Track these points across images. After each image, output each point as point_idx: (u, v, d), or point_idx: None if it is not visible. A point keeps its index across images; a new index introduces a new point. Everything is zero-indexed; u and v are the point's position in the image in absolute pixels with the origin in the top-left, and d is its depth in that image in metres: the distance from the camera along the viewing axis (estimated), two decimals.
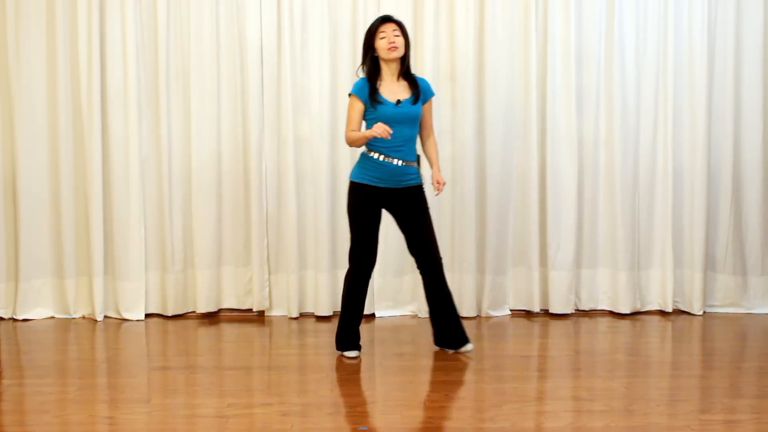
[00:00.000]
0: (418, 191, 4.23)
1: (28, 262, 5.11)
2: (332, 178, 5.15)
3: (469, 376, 3.96)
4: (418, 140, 4.32)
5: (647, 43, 5.18)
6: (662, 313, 5.27)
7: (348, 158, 5.17)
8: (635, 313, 5.24)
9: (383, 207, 4.22)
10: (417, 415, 3.40)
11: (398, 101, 4.13)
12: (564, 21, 5.11)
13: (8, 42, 5.02)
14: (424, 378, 3.96)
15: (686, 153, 5.23)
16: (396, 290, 5.24)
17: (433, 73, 5.10)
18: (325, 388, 3.78)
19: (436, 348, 4.41)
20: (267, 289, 5.21)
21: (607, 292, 5.28)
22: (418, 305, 5.21)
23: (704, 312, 5.26)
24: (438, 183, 4.20)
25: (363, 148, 4.21)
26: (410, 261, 5.20)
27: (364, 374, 4.03)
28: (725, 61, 5.21)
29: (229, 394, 3.68)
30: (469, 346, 4.30)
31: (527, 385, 3.85)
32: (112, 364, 4.24)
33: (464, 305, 5.15)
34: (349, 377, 3.95)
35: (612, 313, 5.26)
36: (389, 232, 5.17)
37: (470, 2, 5.08)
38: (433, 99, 4.39)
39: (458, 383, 3.85)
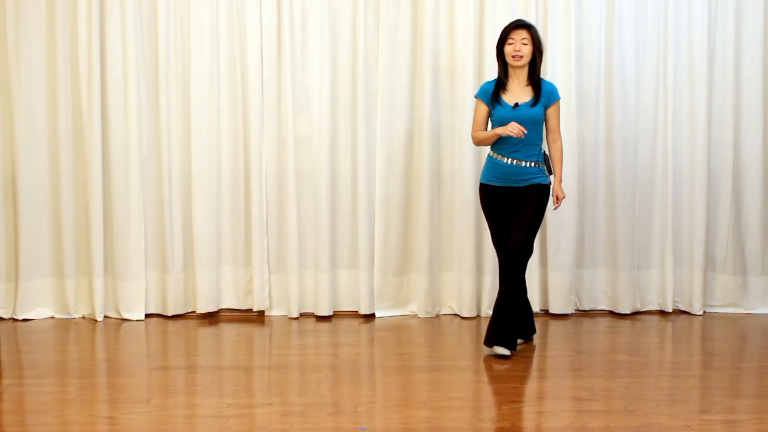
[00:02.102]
0: (538, 190, 4.23)
1: (28, 262, 5.11)
2: (332, 178, 5.15)
3: (469, 376, 3.96)
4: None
5: (647, 43, 5.18)
6: (662, 313, 5.27)
7: (348, 158, 5.18)
8: (635, 313, 5.24)
9: (510, 205, 4.26)
10: (417, 415, 3.40)
11: (516, 104, 4.21)
12: (564, 21, 5.11)
13: (8, 42, 5.02)
14: (424, 378, 3.96)
15: (686, 153, 5.23)
16: (396, 290, 5.24)
17: (433, 72, 5.11)
18: (325, 388, 3.78)
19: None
20: (267, 289, 5.21)
21: (607, 292, 5.28)
22: (418, 305, 5.22)
23: (704, 312, 5.26)
24: (557, 198, 4.29)
25: (488, 150, 4.35)
26: (410, 261, 5.23)
27: (364, 374, 4.04)
28: (725, 61, 5.21)
29: (229, 394, 3.68)
30: (499, 350, 4.21)
31: (527, 385, 3.85)
32: (112, 364, 4.23)
33: (464, 305, 5.16)
34: (349, 377, 3.95)
35: (612, 313, 5.26)
36: (390, 231, 5.18)
37: (470, 2, 5.08)
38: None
39: (458, 383, 3.85)
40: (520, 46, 4.18)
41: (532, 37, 4.20)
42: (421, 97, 5.14)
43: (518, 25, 4.22)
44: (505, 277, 4.22)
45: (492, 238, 4.36)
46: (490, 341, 4.27)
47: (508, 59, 4.22)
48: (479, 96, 4.33)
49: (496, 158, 4.25)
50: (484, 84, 4.39)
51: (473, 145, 4.60)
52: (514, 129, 4.10)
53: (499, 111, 4.23)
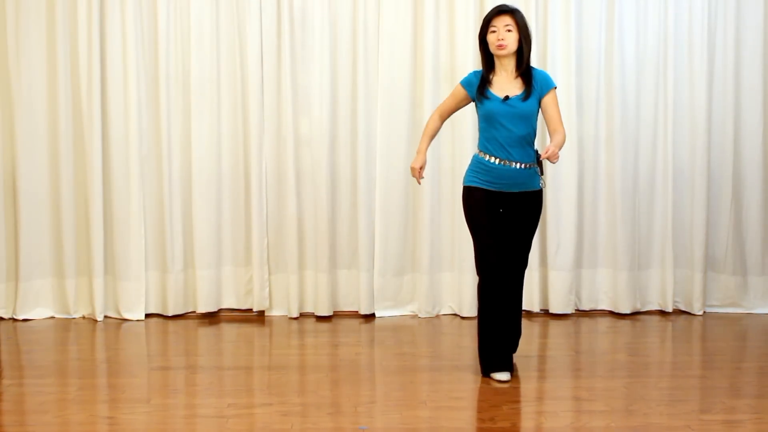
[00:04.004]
0: (534, 197, 3.86)
1: (28, 262, 5.11)
2: (332, 178, 5.15)
3: (468, 376, 3.95)
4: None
5: (647, 43, 5.18)
6: (662, 313, 5.27)
7: (348, 157, 5.18)
8: (635, 313, 5.24)
9: (501, 211, 3.84)
10: (417, 415, 3.40)
11: (506, 97, 3.77)
12: (564, 21, 5.11)
13: (8, 42, 5.02)
14: (424, 378, 3.96)
15: (686, 153, 5.23)
16: (396, 290, 5.23)
17: (433, 73, 5.11)
18: (325, 388, 3.77)
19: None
20: (267, 289, 5.21)
21: (608, 292, 5.28)
22: (418, 305, 5.22)
23: (704, 312, 5.26)
24: (547, 150, 3.56)
25: (475, 150, 3.93)
26: (410, 261, 5.23)
27: (364, 374, 4.03)
28: (725, 61, 5.21)
29: (229, 394, 3.68)
30: (500, 375, 3.85)
31: (527, 385, 3.85)
32: (112, 364, 4.23)
33: (464, 305, 5.16)
34: (349, 377, 3.95)
35: (612, 313, 5.26)
36: (390, 231, 5.18)
37: (470, 2, 5.08)
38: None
39: (458, 383, 3.85)
40: (503, 34, 3.75)
41: (517, 23, 3.77)
42: (421, 97, 5.14)
43: (501, 10, 3.79)
44: (499, 292, 3.83)
45: (480, 249, 3.82)
46: (487, 369, 3.89)
47: (492, 49, 3.79)
48: (463, 84, 3.89)
49: (487, 160, 3.80)
50: (472, 73, 3.92)
51: (464, 138, 4.06)
52: (415, 174, 3.92)
53: (487, 105, 3.78)
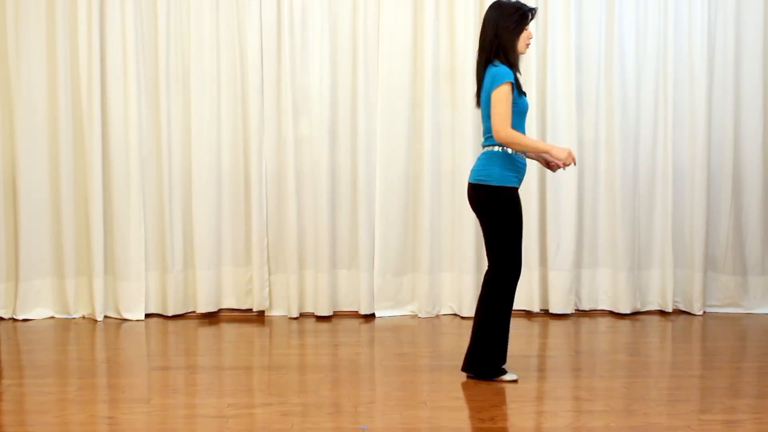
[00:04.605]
0: None
1: (28, 262, 5.11)
2: (332, 178, 5.15)
3: (469, 376, 3.95)
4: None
5: (647, 44, 5.19)
6: (662, 313, 5.27)
7: (348, 158, 5.17)
8: (635, 313, 5.24)
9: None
10: (417, 415, 3.40)
11: (524, 93, 3.79)
12: (564, 21, 5.11)
13: (8, 42, 5.02)
14: (424, 378, 3.96)
15: (686, 153, 5.23)
16: (396, 290, 5.24)
17: (433, 72, 5.11)
18: (325, 388, 3.77)
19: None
20: (267, 289, 5.21)
21: (608, 292, 5.28)
22: (418, 305, 5.22)
23: (704, 312, 5.26)
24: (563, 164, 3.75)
25: (497, 148, 3.68)
26: (410, 261, 5.23)
27: (364, 374, 4.03)
28: (725, 62, 5.21)
29: (229, 394, 3.68)
30: (508, 376, 3.86)
31: (527, 385, 3.85)
32: (112, 364, 4.23)
33: (464, 305, 5.16)
34: (349, 377, 3.95)
35: (612, 313, 5.26)
36: (390, 231, 5.18)
37: (470, 2, 5.08)
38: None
39: (458, 383, 3.85)
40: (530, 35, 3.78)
41: None
42: (421, 97, 5.14)
43: (534, 14, 3.77)
44: (513, 292, 3.83)
45: (514, 251, 3.72)
46: (496, 371, 3.85)
47: (522, 47, 3.74)
48: (512, 80, 3.62)
49: (519, 156, 3.72)
50: (505, 68, 3.65)
51: (502, 142, 3.62)
52: (569, 159, 3.65)
53: (524, 100, 3.72)
